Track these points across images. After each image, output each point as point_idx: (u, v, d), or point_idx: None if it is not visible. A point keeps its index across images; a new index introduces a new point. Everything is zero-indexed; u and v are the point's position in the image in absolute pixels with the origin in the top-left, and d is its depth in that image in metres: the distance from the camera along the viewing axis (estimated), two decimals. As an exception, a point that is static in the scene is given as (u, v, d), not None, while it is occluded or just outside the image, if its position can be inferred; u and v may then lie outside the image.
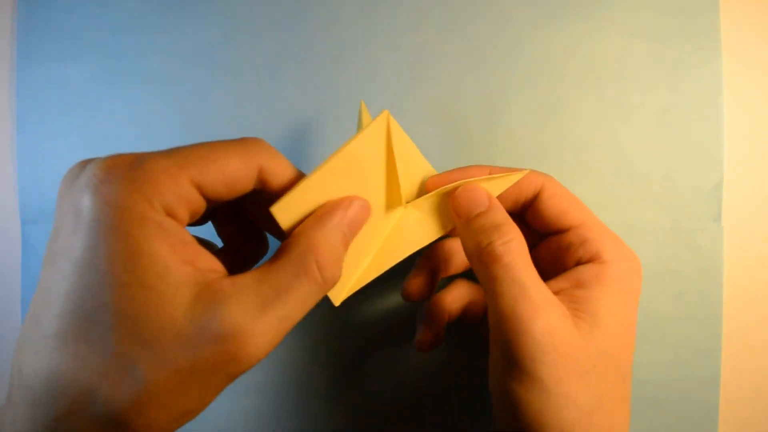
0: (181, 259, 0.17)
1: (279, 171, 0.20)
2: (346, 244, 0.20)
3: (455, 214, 0.24)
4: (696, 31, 0.31)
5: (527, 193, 0.25)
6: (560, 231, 0.25)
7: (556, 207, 0.25)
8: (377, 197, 0.23)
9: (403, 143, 0.23)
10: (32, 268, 0.34)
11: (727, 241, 0.31)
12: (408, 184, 0.24)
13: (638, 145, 0.31)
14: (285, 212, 0.20)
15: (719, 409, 0.31)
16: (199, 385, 0.17)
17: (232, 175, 0.19)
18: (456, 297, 0.28)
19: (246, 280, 0.18)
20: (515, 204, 0.26)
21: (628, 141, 0.31)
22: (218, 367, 0.17)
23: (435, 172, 0.25)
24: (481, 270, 0.22)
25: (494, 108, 0.32)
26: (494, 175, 0.24)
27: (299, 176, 0.21)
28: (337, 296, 0.23)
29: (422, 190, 0.25)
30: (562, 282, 0.24)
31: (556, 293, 0.23)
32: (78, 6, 0.34)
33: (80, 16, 0.34)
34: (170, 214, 0.17)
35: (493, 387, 0.23)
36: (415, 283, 0.27)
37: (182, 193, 0.17)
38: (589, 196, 0.31)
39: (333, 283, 0.19)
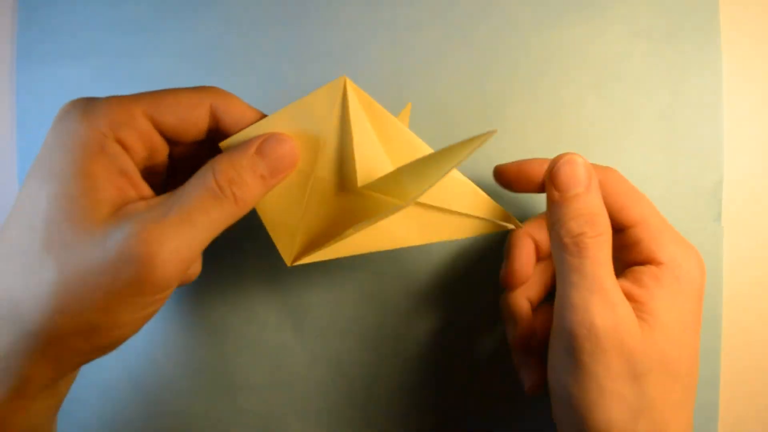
0: (111, 181, 0.19)
1: (233, 109, 0.21)
2: (255, 170, 0.21)
3: (552, 184, 0.23)
4: (696, 31, 0.31)
5: None
6: (622, 228, 0.24)
7: (612, 204, 0.24)
8: (329, 163, 0.24)
9: (379, 116, 0.24)
10: (32, 268, 0.34)
11: (727, 241, 0.31)
12: (394, 158, 0.24)
13: (638, 145, 0.31)
14: None
15: (719, 409, 0.31)
16: (105, 292, 0.18)
17: (185, 111, 0.20)
18: (522, 313, 0.27)
19: (157, 198, 0.20)
20: None
21: (628, 141, 0.31)
22: (123, 271, 0.18)
23: (428, 151, 0.24)
24: (562, 255, 0.22)
25: (494, 108, 0.32)
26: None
27: (256, 117, 0.22)
28: (290, 255, 0.23)
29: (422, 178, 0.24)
30: (622, 282, 0.23)
31: None
32: (78, 6, 0.34)
33: (80, 16, 0.34)
34: (121, 143, 0.20)
35: (550, 378, 0.23)
36: (518, 268, 0.26)
37: (133, 123, 0.20)
38: (589, 196, 0.31)
39: (236, 201, 0.20)
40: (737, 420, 0.32)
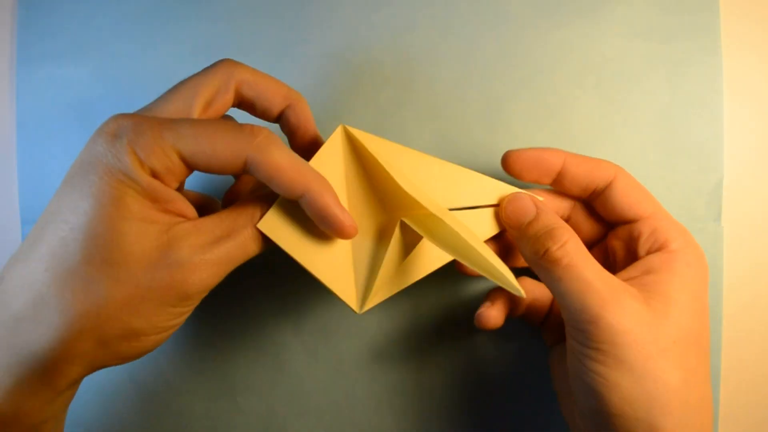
0: (156, 207, 0.21)
1: (267, 168, 0.22)
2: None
3: (507, 226, 0.26)
4: (696, 31, 0.31)
5: (599, 182, 0.26)
6: (630, 221, 0.26)
7: (628, 197, 0.25)
8: (363, 204, 0.25)
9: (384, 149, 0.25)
10: (32, 268, 0.34)
11: (727, 241, 0.31)
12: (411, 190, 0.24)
13: (638, 145, 0.31)
14: (272, 226, 0.23)
15: (719, 411, 0.31)
16: (152, 304, 0.20)
17: (217, 161, 0.21)
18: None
19: (204, 222, 0.22)
20: (584, 190, 0.26)
21: (628, 141, 0.31)
22: (170, 288, 0.20)
23: (436, 162, 0.26)
24: (544, 274, 0.24)
25: (494, 108, 0.32)
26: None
27: (293, 172, 0.22)
28: (356, 303, 0.25)
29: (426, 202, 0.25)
30: (632, 271, 0.24)
31: (626, 281, 0.24)
32: (78, 6, 0.34)
33: (80, 16, 0.34)
34: (156, 176, 0.21)
35: (572, 374, 0.24)
36: (492, 313, 0.28)
37: (168, 163, 0.21)
38: (589, 196, 0.31)
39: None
40: (737, 420, 0.32)
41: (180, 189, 0.24)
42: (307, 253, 0.24)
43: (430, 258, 0.26)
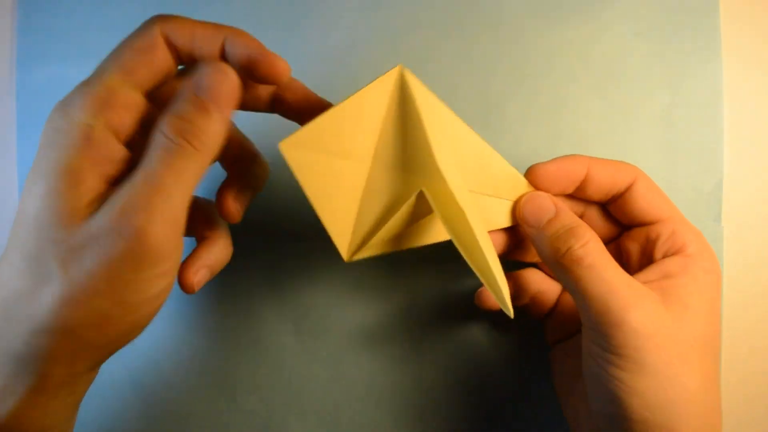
0: (97, 171, 0.19)
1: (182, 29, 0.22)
2: (200, 110, 0.20)
3: (524, 224, 0.25)
4: (696, 31, 0.31)
5: (620, 185, 0.25)
6: (647, 223, 0.26)
7: (647, 200, 0.25)
8: (390, 155, 0.24)
9: (432, 107, 0.23)
10: (32, 268, 0.34)
11: (727, 241, 0.31)
12: (442, 155, 0.23)
13: (638, 145, 0.31)
14: (292, 150, 0.22)
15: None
16: (109, 279, 0.19)
17: (201, 44, 0.22)
18: (528, 281, 0.28)
19: (132, 173, 0.19)
20: (606, 195, 0.26)
21: (628, 141, 0.31)
22: (114, 250, 0.18)
23: (483, 146, 0.25)
24: (563, 274, 0.23)
25: (494, 108, 0.32)
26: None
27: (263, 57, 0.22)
28: (347, 251, 0.23)
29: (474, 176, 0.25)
30: (649, 274, 0.24)
31: (644, 284, 0.23)
32: (78, 7, 0.34)
33: (80, 17, 0.34)
34: (110, 125, 0.20)
35: (589, 377, 0.23)
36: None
37: (118, 101, 0.20)
38: (589, 196, 0.31)
39: (190, 149, 0.20)
40: (737, 421, 0.32)
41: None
42: (317, 188, 0.23)
43: (433, 232, 0.25)
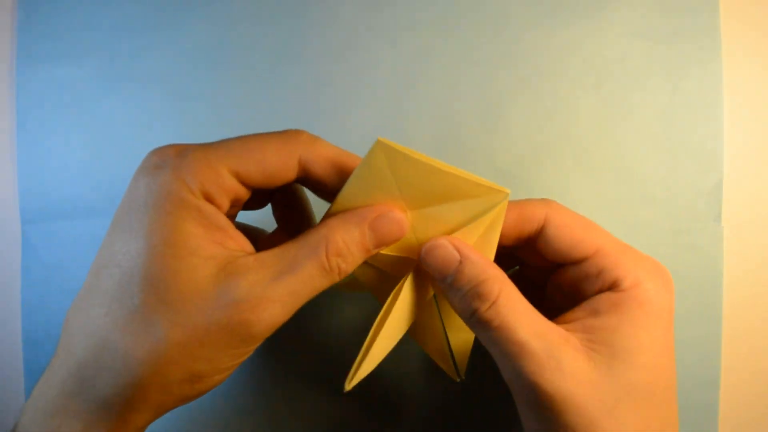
0: (212, 238, 0.20)
1: (320, 160, 0.21)
2: (364, 245, 0.21)
3: (432, 275, 0.23)
4: (696, 31, 0.31)
5: (529, 228, 0.23)
6: (575, 261, 0.23)
7: (564, 238, 0.23)
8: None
9: (417, 173, 0.21)
10: (32, 268, 0.34)
11: (727, 241, 0.31)
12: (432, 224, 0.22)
13: (638, 145, 0.31)
14: None
15: (719, 411, 0.31)
16: (213, 346, 0.19)
17: (271, 167, 0.21)
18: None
19: (265, 256, 0.20)
20: (519, 239, 0.24)
21: (628, 141, 0.31)
22: (231, 329, 0.19)
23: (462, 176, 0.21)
24: (476, 333, 0.22)
25: (494, 108, 0.32)
26: (482, 217, 0.22)
27: (342, 161, 0.22)
28: (349, 380, 0.22)
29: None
30: (577, 312, 0.22)
31: (569, 322, 0.22)
32: (78, 6, 0.34)
33: (80, 16, 0.34)
34: (209, 200, 0.20)
35: (524, 424, 0.22)
36: None
37: (221, 182, 0.20)
38: (589, 196, 0.31)
39: (339, 274, 0.21)
40: (738, 422, 0.32)
41: (233, 218, 0.23)
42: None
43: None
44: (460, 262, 0.21)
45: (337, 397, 0.33)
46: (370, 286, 0.25)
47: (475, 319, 0.21)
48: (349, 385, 0.21)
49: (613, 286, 0.22)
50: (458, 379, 0.27)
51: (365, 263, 0.24)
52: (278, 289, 0.20)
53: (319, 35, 0.33)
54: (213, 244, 0.20)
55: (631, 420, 0.20)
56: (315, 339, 0.33)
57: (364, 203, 0.22)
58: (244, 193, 0.21)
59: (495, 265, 0.22)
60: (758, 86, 0.32)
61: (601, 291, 0.22)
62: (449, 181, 0.21)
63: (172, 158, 0.20)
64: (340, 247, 0.21)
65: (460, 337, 0.26)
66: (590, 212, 0.28)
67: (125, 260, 0.19)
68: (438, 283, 0.23)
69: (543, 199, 0.24)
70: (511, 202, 0.23)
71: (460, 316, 0.22)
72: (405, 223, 0.22)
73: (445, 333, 0.26)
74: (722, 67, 0.31)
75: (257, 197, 0.24)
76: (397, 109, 0.32)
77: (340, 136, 0.32)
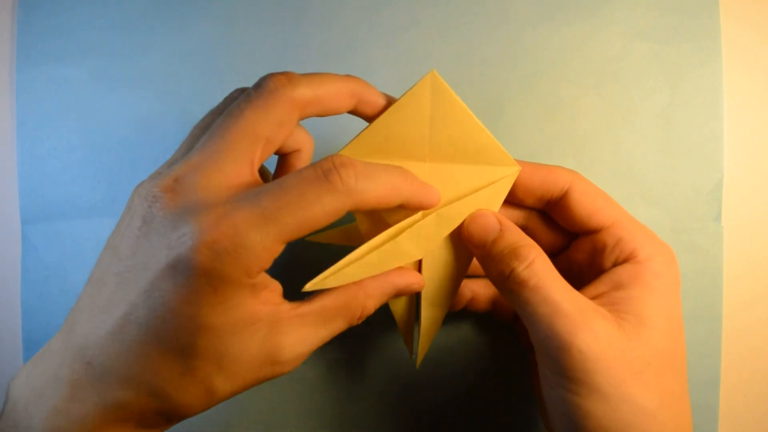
0: (262, 302, 0.21)
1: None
2: (386, 297, 0.24)
3: (470, 245, 0.24)
4: (696, 31, 0.31)
5: (554, 191, 0.24)
6: (592, 231, 0.24)
7: (586, 206, 0.24)
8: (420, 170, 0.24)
9: (455, 113, 0.23)
10: (32, 268, 0.34)
11: (727, 241, 0.31)
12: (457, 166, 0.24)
13: (638, 145, 0.31)
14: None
15: (719, 411, 0.31)
16: (247, 387, 0.21)
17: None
18: (485, 286, 0.28)
19: (305, 311, 0.22)
20: (539, 202, 0.25)
21: (628, 141, 0.31)
22: (267, 377, 0.21)
23: (500, 151, 0.24)
24: (510, 296, 0.22)
25: (494, 108, 0.32)
26: (486, 188, 0.24)
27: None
28: (312, 284, 0.22)
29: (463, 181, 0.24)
30: (600, 286, 0.23)
31: (594, 298, 0.23)
32: (78, 6, 0.34)
33: (80, 16, 0.34)
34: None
35: (546, 399, 0.23)
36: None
37: (275, 257, 0.21)
38: (589, 196, 0.31)
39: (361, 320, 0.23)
40: (738, 422, 0.32)
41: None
42: None
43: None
44: (500, 230, 0.23)
45: (339, 397, 0.33)
46: (367, 233, 0.25)
47: (512, 279, 0.22)
48: (308, 288, 0.22)
49: (629, 257, 0.23)
50: (412, 357, 0.29)
51: (366, 217, 0.25)
52: (312, 346, 0.22)
53: (318, 35, 0.33)
54: (259, 305, 0.21)
55: (656, 384, 0.21)
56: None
57: (394, 148, 0.23)
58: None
59: (529, 238, 0.23)
60: (758, 86, 0.32)
61: (617, 262, 0.23)
62: (477, 135, 0.23)
63: (228, 246, 0.19)
64: (371, 311, 0.23)
65: (432, 313, 0.26)
66: (590, 212, 0.28)
67: (181, 335, 0.19)
68: (475, 251, 0.24)
69: (570, 169, 0.25)
70: (539, 165, 0.24)
71: (496, 280, 0.23)
72: (422, 282, 0.24)
73: (419, 308, 0.26)
74: (722, 67, 0.31)
75: None
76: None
77: (340, 136, 0.32)
